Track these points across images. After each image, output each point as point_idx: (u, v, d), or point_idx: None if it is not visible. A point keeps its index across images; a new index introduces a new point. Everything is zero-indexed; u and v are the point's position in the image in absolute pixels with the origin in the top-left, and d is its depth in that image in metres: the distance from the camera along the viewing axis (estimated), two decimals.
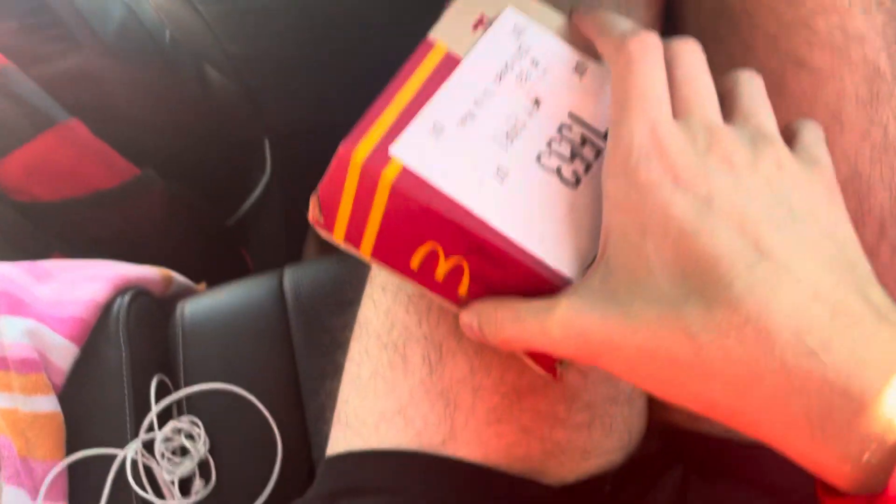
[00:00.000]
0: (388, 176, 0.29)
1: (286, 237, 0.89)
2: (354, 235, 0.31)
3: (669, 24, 0.46)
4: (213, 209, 0.82)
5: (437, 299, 0.32)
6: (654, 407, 0.40)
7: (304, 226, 0.33)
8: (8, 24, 0.60)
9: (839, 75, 0.37)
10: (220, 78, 0.72)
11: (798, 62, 0.38)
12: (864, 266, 0.26)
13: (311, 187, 0.31)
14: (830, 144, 0.36)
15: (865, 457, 0.22)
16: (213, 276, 0.67)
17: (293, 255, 0.90)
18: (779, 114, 0.32)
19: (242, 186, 0.89)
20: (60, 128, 0.60)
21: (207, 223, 0.81)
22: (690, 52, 0.29)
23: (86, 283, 0.50)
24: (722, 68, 0.40)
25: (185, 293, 0.58)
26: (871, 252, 0.36)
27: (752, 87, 0.30)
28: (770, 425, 0.24)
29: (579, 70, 0.32)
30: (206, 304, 0.53)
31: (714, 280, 0.24)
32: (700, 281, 0.24)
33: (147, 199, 0.69)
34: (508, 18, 0.32)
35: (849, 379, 0.22)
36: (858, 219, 0.36)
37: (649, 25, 0.43)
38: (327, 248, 0.33)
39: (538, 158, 0.30)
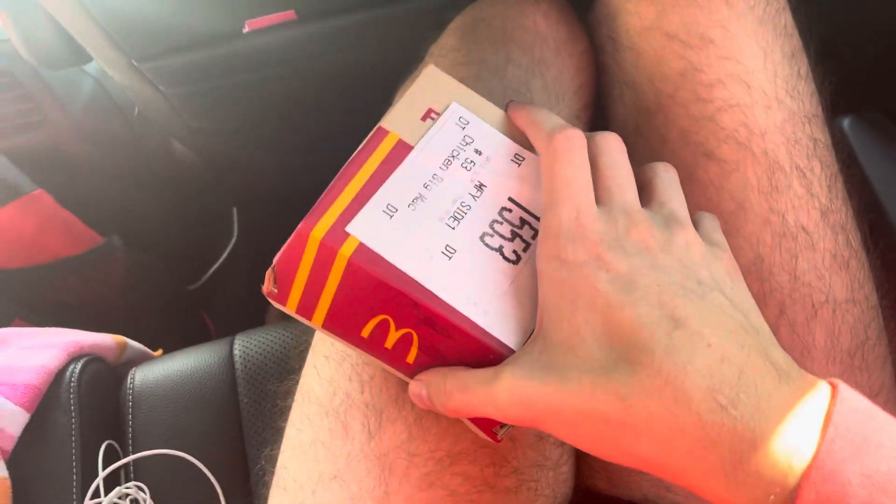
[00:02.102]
0: (346, 252, 0.31)
1: (249, 302, 0.90)
2: (307, 307, 0.33)
3: (598, 115, 0.49)
4: (176, 275, 0.84)
5: (384, 366, 0.34)
6: (578, 473, 0.42)
7: None
8: None
9: (743, 167, 0.40)
10: (187, 151, 0.75)
11: (707, 154, 0.41)
12: (765, 331, 0.29)
13: (277, 254, 0.33)
14: (736, 231, 0.40)
15: (770, 499, 0.24)
16: (173, 340, 0.68)
17: (255, 320, 0.91)
18: (690, 200, 0.36)
19: (208, 252, 0.91)
20: (26, 198, 0.62)
21: (169, 289, 0.83)
22: (612, 144, 0.33)
23: (40, 350, 0.51)
24: (641, 156, 0.44)
25: (140, 359, 0.60)
26: (772, 330, 0.38)
27: (667, 177, 0.34)
28: (692, 474, 0.26)
29: (517, 159, 0.35)
30: (158, 370, 0.54)
31: (638, 347, 0.27)
32: (626, 348, 0.27)
33: (109, 266, 0.70)
34: (454, 111, 0.35)
35: (754, 431, 0.25)
36: (760, 299, 0.39)
37: (578, 114, 0.47)
38: (287, 315, 0.35)
39: (482, 237, 0.33)
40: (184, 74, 0.56)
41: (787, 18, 0.44)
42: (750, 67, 0.41)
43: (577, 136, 0.32)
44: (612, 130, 0.48)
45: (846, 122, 0.70)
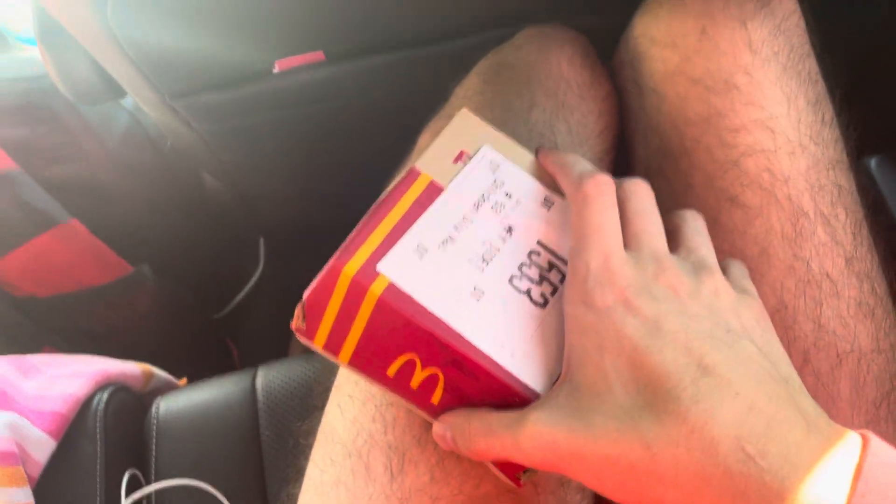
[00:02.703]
0: (376, 290, 0.32)
1: (273, 332, 0.91)
2: (335, 343, 0.33)
3: (622, 158, 0.50)
4: (203, 303, 0.85)
5: (408, 406, 0.34)
6: None
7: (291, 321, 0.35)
8: (20, 130, 0.64)
9: (767, 213, 0.40)
10: (216, 182, 0.76)
11: (731, 199, 0.41)
12: (795, 380, 0.29)
13: (301, 284, 0.34)
14: (759, 277, 0.40)
15: None
16: (198, 367, 0.69)
17: (279, 349, 0.92)
18: (714, 245, 0.36)
19: (234, 281, 0.92)
20: (60, 228, 0.64)
21: (196, 317, 0.84)
22: (641, 191, 0.33)
23: (68, 378, 0.52)
24: (665, 200, 0.44)
25: (165, 388, 0.60)
26: None
27: (695, 224, 0.35)
28: None
29: (546, 203, 0.35)
30: (182, 400, 0.55)
31: (664, 393, 0.27)
32: (652, 394, 0.27)
33: (137, 294, 0.71)
34: (485, 155, 0.36)
35: (783, 482, 0.24)
36: (784, 346, 0.38)
37: (601, 157, 0.47)
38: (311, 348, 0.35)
39: (510, 280, 0.33)
40: (215, 112, 0.57)
41: (811, 65, 0.44)
42: (774, 113, 0.41)
43: (606, 182, 0.32)
44: (635, 173, 0.49)
45: (872, 163, 0.70)
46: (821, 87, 0.44)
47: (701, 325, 0.29)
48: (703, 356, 0.27)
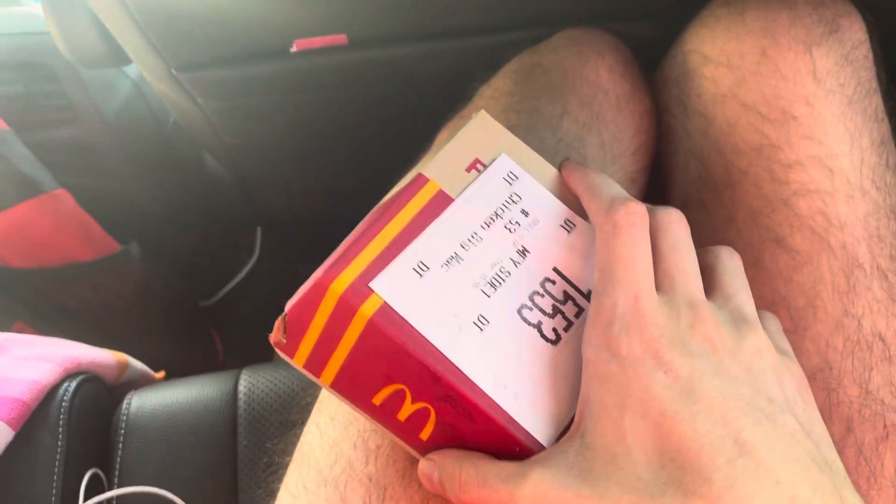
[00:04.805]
0: (367, 311, 0.28)
1: (261, 327, 0.87)
2: (317, 363, 0.30)
3: (655, 183, 0.46)
4: (190, 290, 0.81)
5: (393, 438, 0.31)
6: None
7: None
8: (13, 88, 0.61)
9: (817, 260, 0.36)
10: (217, 165, 0.73)
11: (777, 241, 0.37)
12: (839, 467, 0.25)
13: (297, 280, 0.30)
14: (802, 331, 0.36)
15: None
16: (180, 356, 0.66)
17: (265, 344, 0.88)
18: (753, 290, 0.32)
19: (226, 270, 0.88)
20: (45, 197, 0.60)
21: (182, 303, 0.80)
22: (676, 222, 0.29)
23: (35, 362, 0.48)
24: (702, 234, 0.40)
25: (140, 381, 0.56)
26: (836, 449, 0.34)
27: (733, 265, 0.30)
28: None
29: (567, 226, 0.31)
30: (156, 398, 0.51)
31: (694, 471, 0.23)
32: (679, 470, 0.23)
33: (122, 275, 0.68)
34: (502, 165, 0.32)
35: None
36: (825, 412, 0.35)
37: (634, 177, 0.44)
38: None
39: (520, 310, 0.29)
40: (224, 88, 0.54)
41: (877, 102, 0.40)
42: (834, 151, 0.37)
43: (640, 212, 0.28)
44: (671, 199, 0.45)
45: None
46: (886, 127, 0.40)
47: (740, 390, 0.25)
48: (740, 430, 0.24)
